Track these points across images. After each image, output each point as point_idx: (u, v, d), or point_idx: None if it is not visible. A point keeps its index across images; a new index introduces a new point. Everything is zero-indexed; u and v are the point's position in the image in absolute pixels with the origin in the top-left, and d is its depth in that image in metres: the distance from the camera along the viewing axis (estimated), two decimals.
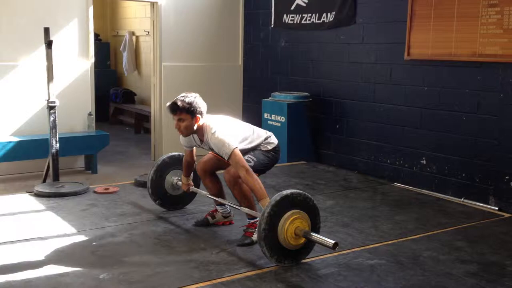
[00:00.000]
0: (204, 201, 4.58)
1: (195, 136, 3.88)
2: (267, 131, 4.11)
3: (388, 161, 5.86)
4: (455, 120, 5.20)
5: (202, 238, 3.92)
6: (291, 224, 3.33)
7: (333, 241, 3.27)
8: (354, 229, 4.18)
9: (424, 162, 5.49)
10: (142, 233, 3.99)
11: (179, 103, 3.72)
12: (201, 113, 3.75)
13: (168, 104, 3.80)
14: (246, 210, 3.76)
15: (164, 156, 4.48)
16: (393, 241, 3.94)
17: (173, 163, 4.43)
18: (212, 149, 3.86)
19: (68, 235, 3.92)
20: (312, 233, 3.39)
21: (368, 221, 4.38)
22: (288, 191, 3.41)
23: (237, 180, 3.69)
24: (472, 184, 5.08)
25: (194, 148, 4.09)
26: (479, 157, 5.03)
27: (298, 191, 3.47)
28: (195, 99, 3.76)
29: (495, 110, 4.89)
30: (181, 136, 3.96)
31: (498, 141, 4.87)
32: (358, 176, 5.98)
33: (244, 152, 3.78)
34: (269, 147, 3.96)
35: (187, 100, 3.72)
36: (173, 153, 4.49)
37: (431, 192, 5.31)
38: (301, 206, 3.42)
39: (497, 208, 4.80)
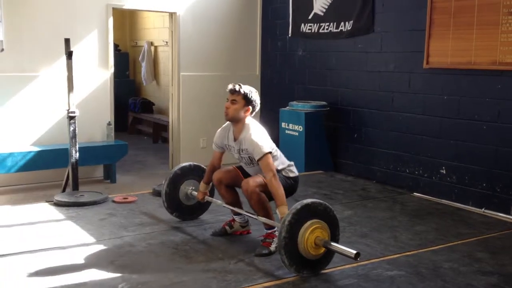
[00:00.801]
0: (221, 210, 4.58)
1: (231, 132, 3.91)
2: (290, 161, 4.10)
3: (407, 171, 5.81)
4: (475, 129, 5.14)
5: (219, 248, 3.91)
6: (312, 234, 3.32)
7: (354, 251, 3.24)
8: (373, 239, 4.14)
9: (444, 171, 5.43)
10: (160, 242, 3.99)
11: (242, 87, 3.81)
12: (253, 107, 3.83)
13: (230, 85, 3.86)
14: (263, 219, 3.75)
15: (176, 168, 4.49)
16: (412, 252, 3.89)
17: (185, 174, 4.44)
18: (241, 151, 3.84)
19: (87, 244, 3.94)
20: (332, 243, 3.37)
21: (387, 232, 4.34)
22: (309, 200, 3.39)
23: (255, 190, 3.68)
24: (493, 194, 5.01)
25: (223, 153, 4.09)
26: (500, 166, 4.96)
27: (319, 200, 3.46)
28: (255, 93, 3.86)
29: None
30: (217, 133, 4.02)
31: None
32: (377, 185, 5.93)
33: None
34: (291, 175, 3.96)
35: (249, 88, 3.84)
36: (184, 164, 4.50)
37: (451, 202, 5.24)
38: (321, 216, 3.40)
39: None
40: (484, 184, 5.09)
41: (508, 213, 4.83)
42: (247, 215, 4.02)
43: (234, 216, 4.14)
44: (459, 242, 4.14)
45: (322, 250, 3.38)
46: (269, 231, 3.79)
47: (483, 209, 4.97)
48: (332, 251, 3.42)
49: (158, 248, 3.89)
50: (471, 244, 4.10)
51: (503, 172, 4.93)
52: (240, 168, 4.05)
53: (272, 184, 3.60)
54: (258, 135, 3.77)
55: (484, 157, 5.07)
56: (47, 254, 3.73)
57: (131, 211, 4.77)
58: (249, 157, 3.84)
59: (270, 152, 3.73)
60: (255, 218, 3.85)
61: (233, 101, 3.80)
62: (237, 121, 3.84)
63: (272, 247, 3.73)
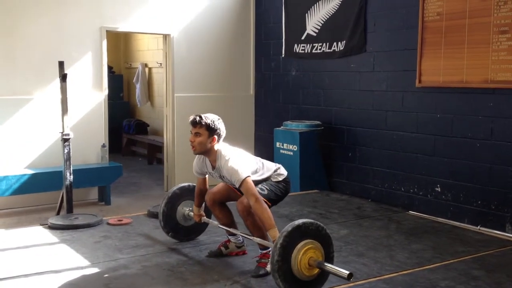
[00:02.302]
0: (217, 231, 4.56)
1: (207, 161, 3.88)
2: (276, 164, 4.10)
3: (402, 189, 5.82)
4: (469, 147, 5.16)
5: (215, 269, 3.89)
6: (305, 255, 3.29)
7: (347, 272, 3.22)
8: (369, 258, 4.13)
9: (439, 189, 5.44)
10: (156, 264, 3.97)
11: (203, 117, 3.75)
12: (218, 135, 3.77)
13: (191, 116, 3.82)
14: (258, 240, 3.74)
15: (175, 188, 4.47)
16: (409, 271, 3.88)
17: (184, 194, 4.42)
18: (222, 177, 3.84)
19: (82, 267, 3.90)
20: (326, 264, 3.35)
21: (383, 251, 4.33)
22: (300, 221, 3.38)
23: (250, 211, 3.67)
24: (488, 212, 5.01)
25: (207, 176, 4.08)
26: (494, 184, 4.97)
27: (310, 220, 3.44)
28: (218, 120, 3.80)
29: (509, 136, 4.85)
30: (194, 162, 3.98)
31: None
32: (372, 204, 5.93)
33: (256, 183, 3.77)
34: (280, 178, 3.95)
35: (211, 118, 3.77)
36: (183, 184, 4.48)
37: (447, 220, 5.24)
38: (313, 236, 3.38)
39: None
40: (479, 202, 5.09)
41: (504, 231, 4.83)
42: (242, 235, 4.00)
43: (229, 237, 4.13)
44: (456, 260, 4.13)
45: (317, 270, 3.36)
46: (264, 251, 3.77)
47: (478, 227, 4.97)
48: (326, 272, 3.40)
49: (153, 270, 3.86)
50: (468, 262, 4.09)
51: (497, 189, 4.94)
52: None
53: (256, 209, 3.55)
54: (233, 161, 3.70)
55: (479, 175, 5.09)
56: (41, 278, 3.70)
57: (126, 233, 4.74)
58: (223, 177, 3.83)
59: (249, 176, 3.66)
60: (250, 239, 3.84)
61: (196, 134, 3.75)
62: (206, 153, 3.82)
63: (268, 267, 3.71)
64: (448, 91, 5.33)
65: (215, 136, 3.75)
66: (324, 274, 3.43)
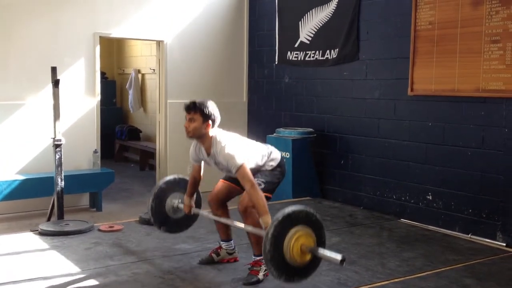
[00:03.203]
0: (208, 238, 4.57)
1: (202, 148, 3.84)
2: (268, 146, 4.07)
3: (394, 197, 5.83)
4: (460, 156, 5.18)
5: (207, 276, 3.87)
6: (296, 242, 3.23)
7: (340, 256, 3.16)
8: (361, 266, 4.13)
9: (430, 197, 5.45)
10: (146, 272, 3.95)
11: (196, 102, 3.72)
12: (213, 121, 3.74)
13: (186, 102, 3.79)
14: (250, 229, 3.67)
15: (160, 183, 4.35)
16: (400, 279, 3.89)
17: (170, 187, 4.31)
18: (217, 164, 3.79)
19: (72, 274, 3.88)
20: (319, 249, 3.30)
21: (375, 258, 4.33)
22: (290, 209, 3.31)
23: (251, 210, 3.65)
24: (479, 220, 5.03)
25: (202, 164, 4.04)
26: (485, 192, 4.99)
27: (299, 207, 3.36)
28: (212, 105, 3.77)
29: (500, 145, 4.88)
30: (191, 149, 3.96)
31: (504, 176, 4.84)
32: (364, 212, 5.94)
33: (252, 172, 3.74)
34: (274, 164, 3.92)
35: (205, 103, 3.74)
36: (168, 178, 4.37)
37: (438, 228, 5.26)
38: (304, 223, 3.32)
39: (504, 244, 4.75)
40: (470, 210, 5.11)
41: (495, 239, 4.85)
42: (234, 226, 3.88)
43: (222, 243, 4.11)
44: (447, 268, 4.14)
45: (309, 256, 3.30)
46: (257, 258, 3.76)
47: (469, 235, 4.99)
48: (319, 258, 3.36)
49: (144, 277, 3.84)
50: (458, 270, 4.10)
51: (488, 197, 4.96)
52: (226, 178, 4.01)
53: (251, 194, 3.54)
54: (229, 147, 3.67)
55: (470, 183, 5.11)
56: (31, 285, 3.67)
57: (117, 239, 4.72)
58: (222, 168, 3.81)
59: (245, 162, 3.65)
60: (242, 228, 3.77)
61: (190, 120, 3.72)
62: (201, 138, 3.77)
63: (260, 275, 3.71)
64: (440, 100, 5.36)
65: (210, 122, 3.72)
66: (317, 259, 3.38)
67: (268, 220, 3.39)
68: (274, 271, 3.22)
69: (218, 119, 3.78)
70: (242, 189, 3.74)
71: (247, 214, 3.71)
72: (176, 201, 4.27)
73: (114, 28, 6.81)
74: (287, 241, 3.24)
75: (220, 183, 4.04)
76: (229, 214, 4.07)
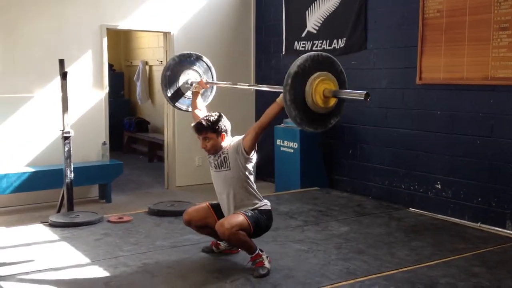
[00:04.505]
0: None
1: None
2: None
3: (403, 186, 5.81)
4: (469, 144, 5.16)
5: (215, 266, 3.89)
6: (318, 87, 3.27)
7: (364, 92, 3.17)
8: (370, 255, 4.13)
9: (439, 186, 5.44)
10: (156, 262, 3.97)
11: (203, 122, 3.77)
12: (226, 131, 3.80)
13: (193, 124, 3.86)
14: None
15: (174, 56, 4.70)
16: (409, 268, 3.88)
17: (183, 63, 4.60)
18: (223, 162, 3.77)
19: (82, 265, 3.91)
20: (341, 91, 3.32)
21: (384, 248, 4.33)
22: (305, 56, 3.32)
23: (231, 232, 3.60)
24: (488, 209, 5.01)
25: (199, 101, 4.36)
26: (494, 181, 4.97)
27: (314, 53, 3.37)
28: (220, 118, 3.81)
29: (509, 134, 4.84)
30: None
31: None
32: (372, 201, 5.93)
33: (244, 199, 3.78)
34: (265, 208, 3.85)
35: (211, 119, 3.78)
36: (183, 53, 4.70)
37: (447, 217, 5.25)
38: (323, 68, 3.34)
39: None
40: (480, 199, 5.09)
41: (504, 227, 4.83)
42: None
43: (219, 241, 4.12)
44: (456, 257, 4.13)
45: (333, 100, 3.33)
46: (253, 254, 3.74)
47: (479, 224, 4.98)
48: (342, 99, 3.38)
49: (153, 268, 3.86)
50: (468, 259, 4.09)
51: (498, 186, 4.94)
52: (212, 206, 3.97)
53: (262, 117, 3.66)
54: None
55: (479, 172, 5.09)
56: (41, 275, 3.71)
57: (127, 230, 4.75)
58: (224, 157, 3.79)
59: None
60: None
61: (205, 139, 3.77)
62: (220, 149, 3.82)
63: (266, 263, 3.71)
64: (449, 88, 5.33)
65: (223, 133, 3.79)
66: (338, 107, 3.42)
67: (281, 97, 3.44)
68: (296, 114, 3.26)
69: (229, 128, 3.85)
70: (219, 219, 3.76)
71: (227, 235, 3.62)
72: (189, 78, 4.57)
73: (121, 20, 6.81)
74: (309, 86, 3.26)
75: (202, 206, 3.99)
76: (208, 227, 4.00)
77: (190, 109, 4.55)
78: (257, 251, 3.73)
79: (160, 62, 9.25)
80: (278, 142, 6.70)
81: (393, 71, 5.91)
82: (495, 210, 4.96)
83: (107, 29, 6.72)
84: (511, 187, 4.84)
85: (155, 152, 9.48)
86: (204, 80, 4.50)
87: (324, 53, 3.43)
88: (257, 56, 7.82)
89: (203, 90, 4.51)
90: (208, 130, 3.75)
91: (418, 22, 5.49)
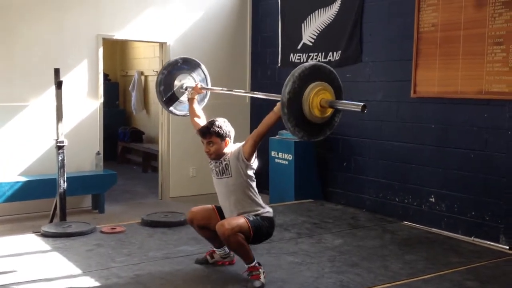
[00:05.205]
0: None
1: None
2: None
3: (397, 199, 5.81)
4: (463, 158, 5.17)
5: (209, 278, 3.87)
6: (315, 97, 3.31)
7: (361, 104, 3.22)
8: (363, 268, 4.12)
9: (433, 200, 5.44)
10: (148, 273, 3.94)
11: (209, 126, 3.80)
12: (230, 137, 3.83)
13: (198, 128, 3.92)
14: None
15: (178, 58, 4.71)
16: (403, 281, 3.87)
17: (186, 66, 4.64)
18: (224, 168, 3.78)
19: (74, 276, 3.88)
20: (338, 102, 3.36)
21: (378, 261, 4.32)
22: (301, 67, 3.36)
23: (231, 233, 3.60)
24: (482, 223, 5.02)
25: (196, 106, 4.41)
26: (488, 195, 4.98)
27: (310, 64, 3.43)
28: (224, 123, 3.85)
29: (503, 148, 4.86)
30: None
31: (507, 179, 4.83)
32: (366, 214, 5.93)
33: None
34: (268, 215, 3.85)
35: (216, 123, 3.81)
36: (187, 58, 4.74)
37: (441, 231, 5.24)
38: (319, 78, 3.38)
39: (508, 247, 4.73)
40: (473, 213, 5.10)
41: (498, 242, 4.83)
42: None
43: (215, 249, 4.11)
44: (449, 271, 4.12)
45: (330, 111, 3.36)
46: (251, 265, 3.73)
47: (472, 238, 4.97)
48: (339, 110, 3.42)
49: (146, 279, 3.83)
50: (461, 273, 4.08)
51: (491, 200, 4.95)
52: (218, 209, 3.97)
53: (261, 125, 3.68)
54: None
55: (473, 186, 5.09)
56: (33, 286, 3.67)
57: (119, 241, 4.72)
58: (226, 164, 3.80)
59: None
60: None
61: (209, 143, 3.79)
62: (222, 155, 3.83)
63: (262, 278, 3.69)
64: (443, 102, 5.35)
65: (227, 139, 3.82)
66: (333, 117, 3.48)
67: (278, 106, 3.48)
68: (293, 127, 3.31)
69: (233, 133, 3.88)
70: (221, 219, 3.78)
71: (227, 236, 3.62)
72: (184, 82, 4.60)
73: (117, 30, 6.82)
74: (306, 97, 3.30)
75: (208, 207, 4.01)
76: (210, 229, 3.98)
77: (180, 113, 4.66)
78: (255, 263, 3.71)
79: (156, 73, 9.24)
80: (273, 154, 6.70)
81: (388, 84, 5.93)
82: (488, 224, 4.96)
83: (103, 39, 6.73)
84: (505, 201, 4.85)
85: (149, 162, 9.46)
86: (199, 86, 4.51)
87: (322, 64, 3.48)
88: (253, 67, 7.84)
89: (198, 96, 4.51)
90: (212, 134, 3.78)
91: (413, 36, 5.52)
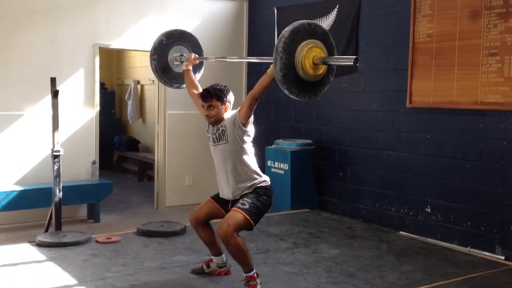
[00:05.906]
0: (207, 250, 4.53)
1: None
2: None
3: (393, 209, 5.82)
4: (458, 168, 5.18)
5: None
6: (308, 54, 3.27)
7: (353, 57, 3.17)
8: (360, 279, 4.11)
9: (429, 210, 5.45)
10: (144, 284, 3.93)
11: (211, 89, 3.83)
12: (229, 103, 3.86)
13: (199, 91, 3.98)
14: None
15: (161, 37, 4.59)
16: None
17: (171, 40, 4.57)
18: (221, 134, 3.81)
19: (69, 286, 3.86)
20: (330, 58, 3.31)
21: (374, 271, 4.31)
22: (293, 25, 3.31)
23: (232, 235, 3.59)
24: (478, 233, 5.02)
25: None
26: (484, 205, 4.98)
27: (301, 22, 3.36)
28: (226, 88, 3.88)
29: (498, 158, 4.88)
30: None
31: (503, 189, 4.84)
32: (363, 224, 5.92)
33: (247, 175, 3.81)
34: (265, 184, 3.88)
35: (218, 87, 3.85)
36: (168, 31, 4.65)
37: (437, 241, 5.24)
38: (311, 36, 3.33)
39: (503, 257, 4.73)
40: (469, 223, 5.10)
41: (493, 252, 4.84)
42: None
43: (212, 257, 4.10)
44: (446, 281, 4.12)
45: (323, 68, 3.33)
46: (249, 274, 3.72)
47: (468, 248, 4.98)
48: (332, 65, 3.38)
49: None
50: (457, 283, 4.09)
51: (487, 210, 4.96)
52: (213, 198, 3.99)
53: (255, 87, 3.67)
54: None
55: (468, 196, 5.10)
56: None
57: (115, 251, 4.70)
58: (222, 131, 3.82)
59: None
60: None
61: (209, 107, 3.82)
62: (221, 120, 3.87)
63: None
64: (439, 112, 5.37)
65: (227, 104, 3.85)
66: (328, 74, 3.42)
67: (272, 68, 3.45)
68: (287, 89, 3.30)
69: (233, 100, 3.91)
70: (226, 213, 3.75)
71: (227, 238, 3.61)
72: (178, 54, 4.57)
73: (114, 39, 6.83)
74: (298, 55, 3.27)
75: (205, 201, 4.03)
76: (212, 232, 4.00)
77: (175, 85, 4.73)
78: (253, 272, 3.70)
79: (152, 82, 9.26)
80: (269, 163, 6.70)
81: (383, 94, 5.95)
82: (484, 234, 4.97)
83: (100, 48, 6.74)
84: (500, 212, 4.85)
85: (145, 171, 9.44)
86: (193, 56, 4.50)
87: (312, 22, 3.42)
88: (249, 76, 7.85)
89: (192, 66, 4.52)
90: (213, 97, 3.80)
91: (409, 46, 5.55)
